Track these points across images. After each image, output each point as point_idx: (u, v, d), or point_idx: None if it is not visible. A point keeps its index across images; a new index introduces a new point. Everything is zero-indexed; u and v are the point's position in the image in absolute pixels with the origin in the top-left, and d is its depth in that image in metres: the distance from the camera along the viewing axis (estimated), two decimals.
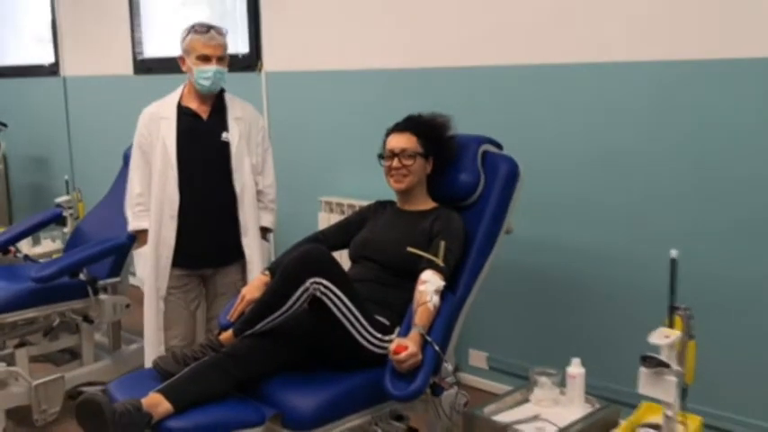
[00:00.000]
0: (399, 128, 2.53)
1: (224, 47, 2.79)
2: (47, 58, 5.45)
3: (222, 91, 2.88)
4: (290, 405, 2.03)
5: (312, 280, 2.06)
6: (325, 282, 2.07)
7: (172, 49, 4.41)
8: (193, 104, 2.84)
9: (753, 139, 2.51)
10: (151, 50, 4.77)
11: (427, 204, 2.51)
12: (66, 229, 3.90)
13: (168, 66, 4.31)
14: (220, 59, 2.76)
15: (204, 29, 2.75)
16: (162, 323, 2.87)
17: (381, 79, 3.53)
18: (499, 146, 2.62)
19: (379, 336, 2.17)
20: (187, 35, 2.78)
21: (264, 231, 2.99)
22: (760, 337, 2.56)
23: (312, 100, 3.88)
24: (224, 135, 2.81)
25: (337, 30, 3.70)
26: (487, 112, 3.13)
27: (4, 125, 5.20)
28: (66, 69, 5.36)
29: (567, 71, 2.92)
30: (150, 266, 2.83)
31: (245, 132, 2.86)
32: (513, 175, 2.49)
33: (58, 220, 3.88)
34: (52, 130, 5.46)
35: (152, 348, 2.86)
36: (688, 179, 2.66)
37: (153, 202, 2.81)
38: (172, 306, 2.88)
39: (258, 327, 2.12)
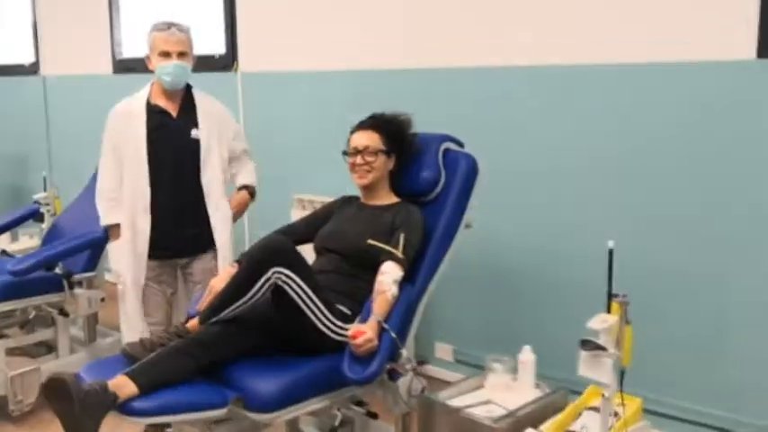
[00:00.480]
0: (363, 126, 2.62)
1: (185, 42, 2.87)
2: (27, 57, 5.51)
3: (190, 88, 2.97)
4: (251, 388, 2.11)
5: (274, 270, 2.15)
6: (286, 271, 2.16)
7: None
8: (162, 102, 2.92)
9: (680, 140, 2.67)
10: (130, 50, 4.85)
11: (390, 199, 2.61)
12: (44, 225, 3.97)
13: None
14: (181, 55, 2.84)
15: (165, 26, 2.85)
16: (142, 311, 2.95)
17: (354, 80, 3.63)
18: (460, 144, 2.72)
19: (340, 324, 2.26)
20: (150, 33, 2.88)
21: (247, 190, 3.07)
22: (693, 324, 2.70)
23: (286, 100, 3.97)
24: (194, 132, 2.90)
25: (312, 32, 3.79)
26: (453, 112, 3.24)
27: None
28: (46, 68, 5.43)
29: (520, 74, 3.06)
30: (128, 258, 2.91)
31: (214, 128, 2.94)
32: (472, 171, 2.59)
33: (36, 217, 3.94)
34: (32, 128, 5.52)
35: (134, 335, 2.93)
36: (625, 178, 2.82)
37: (126, 197, 2.90)
38: (148, 295, 2.97)
39: (223, 314, 2.21)
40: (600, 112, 2.87)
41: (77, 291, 3.37)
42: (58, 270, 3.35)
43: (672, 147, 2.69)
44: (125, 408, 1.99)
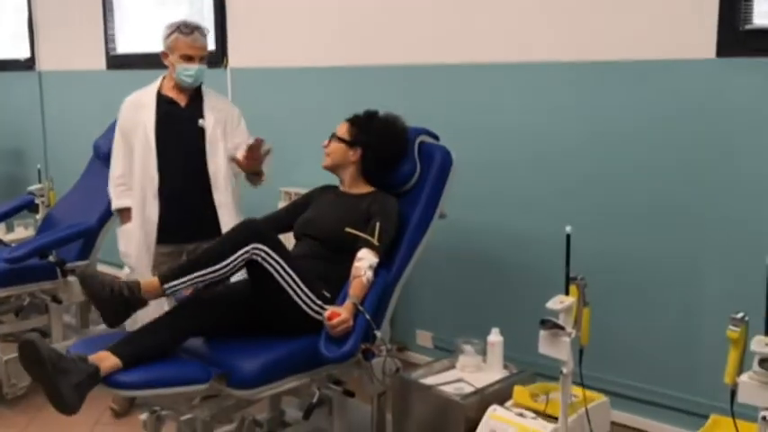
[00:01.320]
0: (348, 117, 2.80)
1: (206, 47, 3.04)
2: (23, 53, 5.62)
3: (200, 84, 3.11)
4: (234, 365, 2.23)
5: (254, 245, 2.27)
6: (265, 248, 2.28)
7: (144, 45, 4.63)
8: (172, 94, 3.06)
9: (646, 136, 2.81)
10: (124, 46, 4.97)
11: (365, 188, 2.74)
12: (39, 216, 4.08)
13: (140, 61, 4.53)
14: (202, 59, 3.01)
15: (189, 30, 2.98)
16: None
17: (341, 76, 3.75)
18: (436, 137, 2.85)
19: (319, 302, 2.38)
20: (171, 33, 2.99)
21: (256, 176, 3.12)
22: (657, 309, 2.84)
23: (275, 95, 4.09)
24: (200, 122, 3.03)
25: (301, 28, 3.91)
26: (434, 108, 3.37)
27: None
28: (42, 64, 5.54)
29: (493, 71, 3.20)
30: (136, 242, 3.04)
31: (220, 120, 3.07)
32: (446, 163, 2.72)
33: (30, 207, 4.06)
34: (27, 122, 5.64)
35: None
36: (590, 171, 2.96)
37: (136, 184, 3.03)
38: None
39: (185, 279, 2.26)
40: (564, 106, 3.01)
41: (70, 278, 3.48)
42: (51, 258, 3.46)
43: (643, 141, 2.83)
44: (109, 380, 2.09)
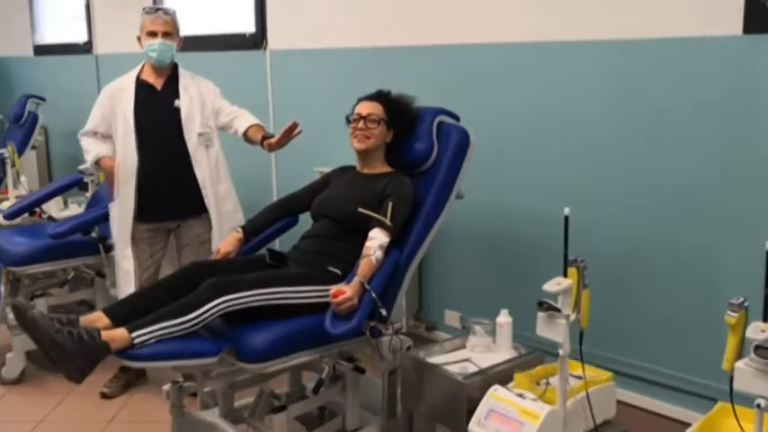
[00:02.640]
0: (369, 97, 2.79)
1: (170, 24, 3.18)
2: (81, 36, 5.83)
3: (176, 66, 3.26)
4: (243, 340, 2.31)
5: (219, 300, 2.28)
6: (232, 296, 2.29)
7: (196, 28, 4.72)
8: (150, 78, 3.23)
9: (659, 121, 2.75)
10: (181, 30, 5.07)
11: (383, 169, 2.76)
12: (88, 194, 4.27)
13: (194, 44, 4.63)
14: (166, 34, 3.15)
15: (152, 10, 3.19)
16: (131, 267, 3.24)
17: (378, 57, 3.76)
18: (456, 117, 2.84)
19: (324, 288, 2.42)
20: (141, 17, 3.18)
21: (261, 134, 3.12)
22: (670, 292, 2.80)
23: (313, 76, 4.14)
24: (176, 102, 3.18)
25: (339, 9, 3.94)
26: (460, 87, 3.36)
27: (42, 99, 5.58)
28: (99, 47, 5.74)
29: (521, 50, 3.15)
30: (117, 221, 3.25)
31: (195, 96, 3.21)
32: (463, 144, 2.70)
33: (81, 186, 4.24)
34: (86, 104, 5.80)
35: (125, 288, 3.23)
36: (611, 152, 2.92)
37: (117, 166, 3.21)
38: (139, 255, 3.25)
39: (154, 328, 2.22)
40: (585, 87, 2.97)
41: (112, 254, 3.63)
42: (93, 234, 3.63)
43: (665, 121, 2.76)
44: (125, 354, 2.19)
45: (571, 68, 3.00)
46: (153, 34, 3.14)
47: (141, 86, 3.22)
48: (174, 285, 2.42)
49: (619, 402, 2.33)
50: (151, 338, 2.21)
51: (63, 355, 2.12)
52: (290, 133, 2.92)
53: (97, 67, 5.71)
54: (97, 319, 2.27)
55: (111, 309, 2.36)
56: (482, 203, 3.15)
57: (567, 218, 2.00)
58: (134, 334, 2.20)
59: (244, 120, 3.23)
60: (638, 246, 2.87)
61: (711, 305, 2.64)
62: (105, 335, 2.19)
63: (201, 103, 3.23)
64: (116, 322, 2.25)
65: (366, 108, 2.73)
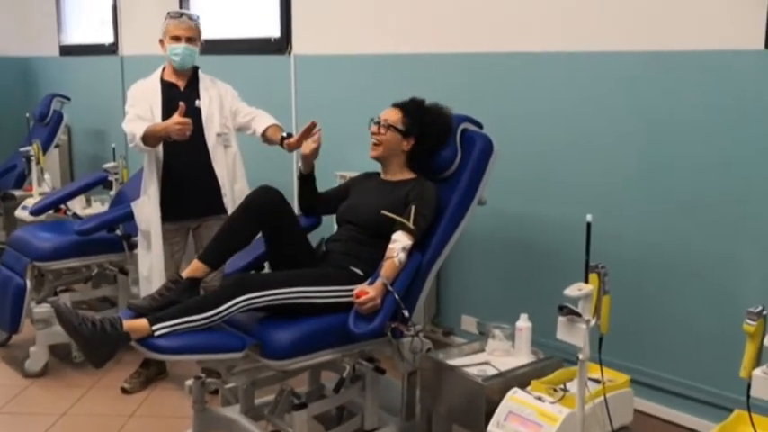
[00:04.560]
0: (396, 104, 2.84)
1: (194, 29, 3.26)
2: (107, 38, 5.92)
3: (197, 69, 3.34)
4: (267, 336, 2.36)
5: (239, 299, 2.34)
6: (251, 295, 2.35)
7: (218, 31, 4.79)
8: (172, 78, 3.31)
9: (690, 130, 2.78)
10: (206, 33, 5.14)
11: (406, 175, 2.81)
12: (112, 193, 4.34)
13: (217, 47, 4.69)
14: (189, 39, 3.23)
15: (177, 14, 3.28)
16: (161, 262, 3.27)
17: (403, 63, 3.80)
18: (479, 125, 2.88)
19: (347, 288, 2.48)
20: (165, 20, 3.25)
21: (280, 135, 3.16)
22: (689, 300, 2.83)
23: (336, 81, 4.19)
24: (197, 102, 3.26)
25: (365, 15, 3.99)
26: (484, 95, 3.41)
27: (68, 99, 5.67)
28: (124, 49, 5.83)
29: (550, 59, 3.19)
30: (147, 214, 3.28)
31: (215, 97, 3.29)
32: (486, 151, 2.76)
33: (105, 184, 4.31)
34: (110, 104, 5.92)
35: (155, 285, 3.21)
36: (632, 160, 2.95)
37: (145, 163, 3.28)
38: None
39: (175, 322, 2.29)
40: (607, 97, 3.00)
41: (135, 251, 3.70)
42: (118, 232, 3.69)
43: (685, 132, 2.80)
44: (147, 344, 2.25)
45: (596, 79, 3.03)
46: (177, 39, 3.22)
47: (165, 86, 3.30)
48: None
49: (635, 411, 2.35)
50: (172, 332, 2.27)
51: (85, 343, 2.23)
52: (308, 132, 2.95)
53: (122, 68, 5.80)
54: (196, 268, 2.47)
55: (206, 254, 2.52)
56: (501, 209, 3.19)
57: (589, 224, 2.04)
58: (155, 326, 2.27)
59: (262, 120, 3.29)
60: (656, 253, 2.89)
61: (729, 314, 2.67)
62: (127, 325, 2.26)
63: (220, 104, 3.31)
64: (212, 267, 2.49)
65: (386, 114, 2.80)
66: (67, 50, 6.49)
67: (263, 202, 2.58)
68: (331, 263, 2.66)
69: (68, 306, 2.33)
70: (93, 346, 2.21)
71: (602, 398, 2.15)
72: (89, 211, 4.60)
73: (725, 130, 2.69)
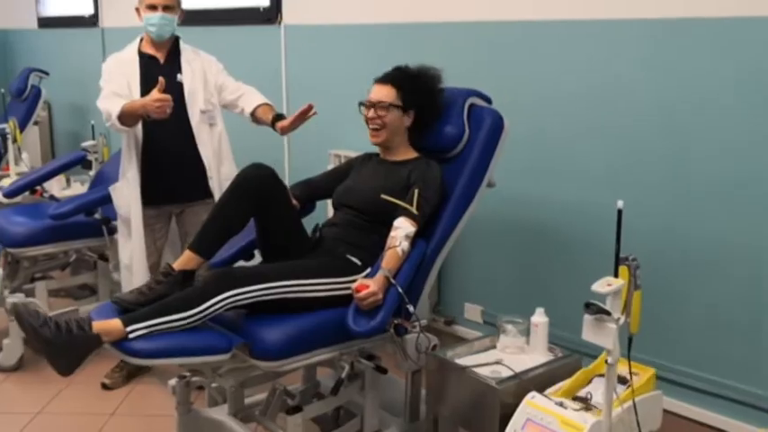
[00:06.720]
0: (382, 79, 2.56)
1: None
2: (86, 9, 5.63)
3: (177, 40, 3.11)
4: (258, 336, 2.13)
5: (226, 294, 2.10)
6: (240, 290, 2.12)
7: (209, 1, 4.52)
8: (151, 50, 3.07)
9: (726, 110, 2.52)
10: (188, 2, 4.86)
11: (408, 155, 2.56)
12: (92, 173, 4.08)
13: (205, 17, 4.43)
14: (167, 8, 2.99)
15: None
16: (142, 251, 3.04)
17: (396, 34, 3.55)
18: (488, 99, 2.64)
19: (343, 279, 2.25)
20: None
21: (272, 115, 2.96)
22: (721, 294, 2.59)
23: (328, 53, 3.94)
24: (178, 77, 3.02)
25: None
26: (492, 68, 3.15)
27: (46, 73, 5.39)
28: (105, 21, 5.54)
29: (561, 28, 2.93)
30: (126, 199, 3.06)
31: (198, 73, 3.05)
32: (497, 128, 2.51)
33: (82, 163, 4.05)
34: (90, 78, 5.61)
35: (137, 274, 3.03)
36: (653, 142, 2.70)
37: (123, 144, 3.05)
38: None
39: (151, 323, 2.05)
40: (629, 66, 2.74)
41: (116, 236, 3.46)
42: (97, 216, 3.45)
43: (711, 109, 2.56)
44: (123, 347, 2.01)
45: (612, 49, 2.78)
46: (153, 7, 2.99)
47: (144, 59, 3.06)
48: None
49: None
50: (148, 333, 2.03)
51: (48, 348, 1.98)
52: (304, 116, 2.75)
53: (103, 40, 5.51)
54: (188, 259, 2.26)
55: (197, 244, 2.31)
56: (509, 191, 2.95)
57: (620, 211, 1.81)
58: (129, 328, 2.02)
59: (251, 98, 3.06)
60: (680, 241, 2.66)
61: (761, 307, 2.46)
62: (98, 326, 2.02)
63: (204, 78, 3.07)
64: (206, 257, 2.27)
65: (377, 93, 2.53)
66: (45, 22, 6.17)
67: (254, 177, 2.33)
68: (326, 250, 2.42)
69: (27, 305, 2.07)
70: (57, 350, 1.97)
71: (630, 403, 1.94)
72: (68, 193, 4.35)
73: (751, 103, 2.44)
